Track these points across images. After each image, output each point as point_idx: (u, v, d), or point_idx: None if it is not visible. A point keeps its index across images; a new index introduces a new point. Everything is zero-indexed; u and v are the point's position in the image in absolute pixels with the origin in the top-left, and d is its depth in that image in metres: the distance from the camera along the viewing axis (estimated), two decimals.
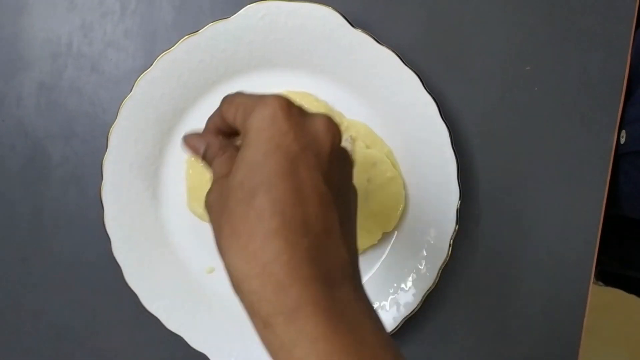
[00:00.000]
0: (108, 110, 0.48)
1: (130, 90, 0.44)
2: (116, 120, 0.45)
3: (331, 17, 0.43)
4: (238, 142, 0.32)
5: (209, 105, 0.46)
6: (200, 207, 0.46)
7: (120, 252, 0.46)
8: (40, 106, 0.48)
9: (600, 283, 0.79)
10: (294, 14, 0.43)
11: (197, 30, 0.44)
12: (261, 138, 0.25)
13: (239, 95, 0.29)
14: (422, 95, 0.44)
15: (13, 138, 0.49)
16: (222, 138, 0.32)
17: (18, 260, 0.50)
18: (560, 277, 0.48)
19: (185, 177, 0.47)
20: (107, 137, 0.45)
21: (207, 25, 0.44)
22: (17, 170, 0.49)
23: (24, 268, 0.50)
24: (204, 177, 0.46)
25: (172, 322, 0.46)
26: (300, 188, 0.25)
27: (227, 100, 0.30)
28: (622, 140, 0.48)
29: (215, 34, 0.44)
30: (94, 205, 0.48)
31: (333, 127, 0.27)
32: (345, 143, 0.45)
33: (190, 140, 0.33)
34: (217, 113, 0.31)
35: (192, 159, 0.46)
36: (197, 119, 0.46)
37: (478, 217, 0.47)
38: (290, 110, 0.26)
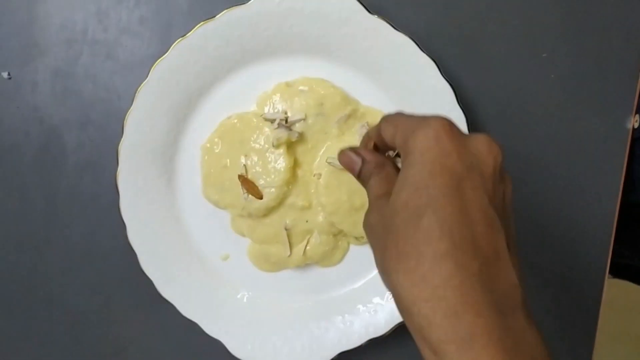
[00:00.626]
0: (123, 96, 0.48)
1: (146, 77, 0.44)
2: (132, 107, 0.45)
3: (348, 3, 0.43)
4: (393, 156, 0.33)
5: (224, 92, 0.46)
6: (215, 194, 0.46)
7: (136, 238, 0.46)
8: (55, 93, 0.48)
9: (610, 275, 0.78)
10: (311, 0, 0.43)
11: (213, 17, 0.44)
12: (425, 158, 0.25)
13: (399, 115, 0.29)
14: (438, 81, 0.44)
15: (28, 124, 0.49)
16: (379, 155, 0.32)
17: (32, 247, 0.50)
18: (576, 264, 0.48)
19: (200, 163, 0.47)
20: (123, 123, 0.45)
21: (224, 11, 0.44)
22: (31, 157, 0.49)
23: (38, 255, 0.50)
24: (219, 163, 0.46)
25: (188, 308, 0.46)
26: (467, 209, 0.24)
27: (387, 119, 0.30)
28: (636, 125, 0.48)
29: (231, 20, 0.44)
30: (109, 191, 0.48)
31: (495, 148, 0.27)
32: (361, 129, 0.45)
33: (346, 155, 0.32)
34: (374, 130, 0.31)
35: (207, 145, 0.46)
36: (212, 106, 0.46)
37: None
38: (453, 131, 0.26)
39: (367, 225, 0.28)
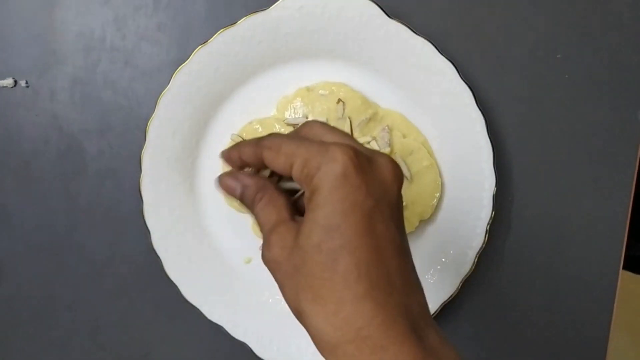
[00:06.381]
0: (143, 103, 0.48)
1: (168, 83, 0.45)
2: (154, 113, 0.45)
3: (367, 8, 0.44)
4: (265, 172, 0.31)
5: (244, 97, 0.47)
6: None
7: (161, 244, 0.46)
8: (74, 100, 0.48)
9: (624, 270, 0.79)
10: (331, 5, 0.44)
11: (232, 22, 0.44)
12: (335, 197, 0.25)
13: (282, 140, 0.28)
14: (457, 84, 0.44)
15: (47, 132, 0.49)
16: (258, 177, 0.30)
17: (54, 255, 0.50)
18: (590, 258, 0.49)
19: (221, 168, 0.47)
20: (145, 130, 0.45)
21: (245, 17, 0.44)
22: (52, 165, 0.49)
23: (60, 262, 0.50)
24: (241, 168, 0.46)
25: (213, 312, 0.47)
26: (380, 245, 0.25)
27: (268, 145, 0.28)
28: None
29: (252, 26, 0.44)
30: (130, 198, 0.48)
31: (398, 171, 0.27)
32: (382, 133, 0.45)
33: (224, 181, 0.31)
34: (248, 150, 0.30)
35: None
36: (233, 111, 0.47)
37: (512, 203, 0.48)
38: (360, 162, 0.25)
39: (270, 260, 0.27)
